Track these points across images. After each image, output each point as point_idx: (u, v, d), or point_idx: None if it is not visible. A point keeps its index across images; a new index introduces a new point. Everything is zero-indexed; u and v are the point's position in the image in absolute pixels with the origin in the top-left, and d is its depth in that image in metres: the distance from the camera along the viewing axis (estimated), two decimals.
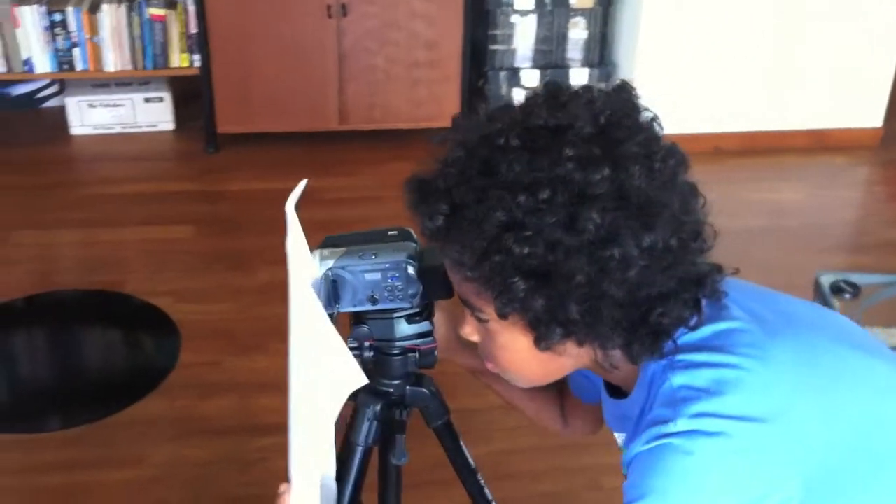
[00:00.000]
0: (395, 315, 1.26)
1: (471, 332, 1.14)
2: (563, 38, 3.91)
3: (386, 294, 1.22)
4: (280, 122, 3.89)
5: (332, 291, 1.21)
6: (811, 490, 1.03)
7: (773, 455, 1.01)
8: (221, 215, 3.54)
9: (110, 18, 3.66)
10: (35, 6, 3.62)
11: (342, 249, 1.22)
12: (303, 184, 1.15)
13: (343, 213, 3.36)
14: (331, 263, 1.21)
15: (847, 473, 1.06)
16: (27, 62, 3.70)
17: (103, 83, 3.98)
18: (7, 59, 3.67)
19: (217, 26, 3.69)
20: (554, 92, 1.06)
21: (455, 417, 1.42)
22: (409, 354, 1.29)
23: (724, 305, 1.10)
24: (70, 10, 3.64)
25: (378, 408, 1.31)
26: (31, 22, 3.63)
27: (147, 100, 4.00)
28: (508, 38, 3.88)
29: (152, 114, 4.02)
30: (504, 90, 3.93)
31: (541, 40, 3.89)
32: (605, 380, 1.20)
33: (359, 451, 1.32)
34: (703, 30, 3.82)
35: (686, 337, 1.07)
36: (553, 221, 0.97)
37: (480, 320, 1.09)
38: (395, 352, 1.29)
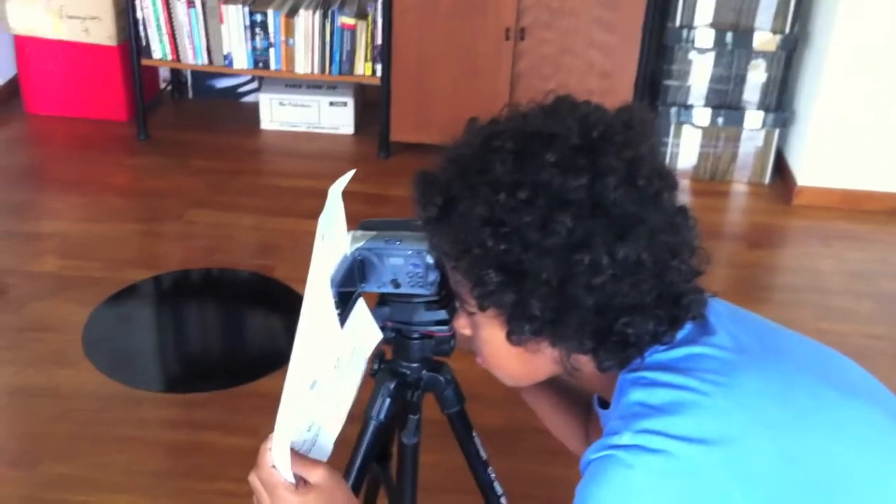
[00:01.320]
0: (416, 300, 1.33)
1: (463, 324, 1.19)
2: (741, 79, 3.83)
3: (407, 279, 1.29)
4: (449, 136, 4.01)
5: (358, 271, 1.30)
6: None
7: (714, 480, 0.99)
8: (380, 217, 3.70)
9: (305, 23, 3.90)
10: (240, 5, 3.90)
11: (373, 233, 1.31)
12: (351, 172, 1.25)
13: None
14: (359, 244, 1.30)
15: None
16: (227, 57, 3.98)
17: (295, 83, 4.23)
18: (209, 52, 3.98)
19: (401, 40, 3.87)
20: (557, 103, 1.12)
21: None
22: (426, 340, 1.36)
23: (712, 329, 1.11)
24: (270, 12, 3.90)
25: (392, 385, 1.39)
26: (234, 19, 3.90)
27: (332, 103, 4.23)
28: (684, 75, 3.85)
29: (336, 117, 4.25)
30: (673, 126, 3.91)
31: (717, 79, 3.84)
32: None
33: (371, 424, 1.40)
34: (889, 84, 3.66)
35: (657, 356, 1.08)
36: (529, 221, 1.02)
37: (469, 313, 1.15)
38: (414, 335, 1.36)
